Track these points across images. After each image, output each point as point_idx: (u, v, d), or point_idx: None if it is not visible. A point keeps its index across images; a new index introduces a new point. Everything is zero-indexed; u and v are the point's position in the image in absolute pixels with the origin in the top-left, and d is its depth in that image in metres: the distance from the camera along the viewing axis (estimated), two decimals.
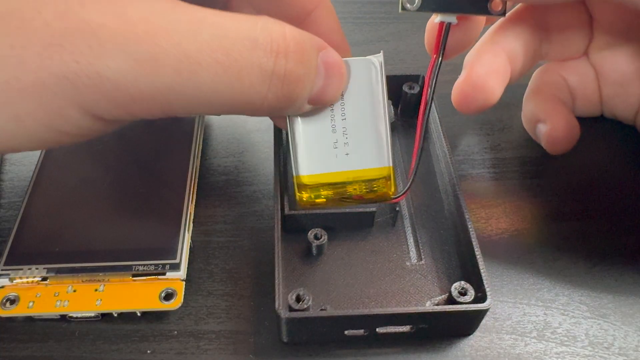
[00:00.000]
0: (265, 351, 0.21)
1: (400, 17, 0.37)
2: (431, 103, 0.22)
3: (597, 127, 0.29)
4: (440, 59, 0.21)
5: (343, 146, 0.21)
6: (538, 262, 0.24)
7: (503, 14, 0.20)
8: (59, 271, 0.21)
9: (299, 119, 0.22)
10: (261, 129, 0.29)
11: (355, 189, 0.22)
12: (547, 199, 0.26)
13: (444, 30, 0.21)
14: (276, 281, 0.20)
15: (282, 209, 0.23)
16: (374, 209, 0.23)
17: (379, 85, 0.21)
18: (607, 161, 0.28)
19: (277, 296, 0.19)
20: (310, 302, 0.20)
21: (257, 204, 0.26)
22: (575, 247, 0.24)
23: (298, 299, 0.20)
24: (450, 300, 0.20)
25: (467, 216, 0.22)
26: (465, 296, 0.20)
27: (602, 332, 0.22)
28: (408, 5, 0.20)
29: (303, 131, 0.21)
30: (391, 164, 0.22)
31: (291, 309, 0.19)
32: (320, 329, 0.20)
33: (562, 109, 0.26)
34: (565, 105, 0.27)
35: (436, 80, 0.21)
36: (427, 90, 0.21)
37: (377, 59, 0.21)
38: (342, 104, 0.21)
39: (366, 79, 0.21)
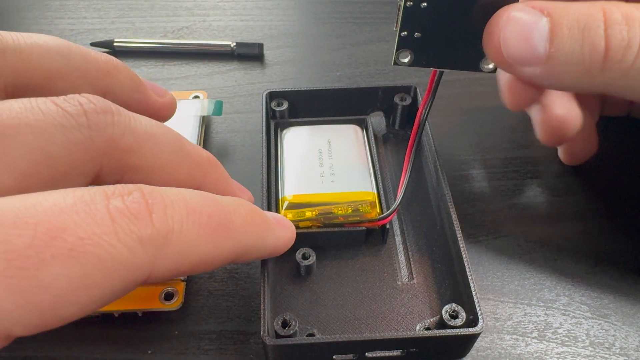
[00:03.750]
0: (266, 351, 0.21)
1: None
2: (419, 139, 0.23)
3: (598, 127, 0.29)
4: (431, 101, 0.22)
5: (329, 176, 0.24)
6: (539, 262, 0.24)
7: (494, 71, 0.20)
8: None
9: (288, 156, 0.25)
10: (261, 129, 0.29)
11: (340, 210, 0.22)
12: (547, 199, 0.26)
13: (437, 75, 0.22)
14: (262, 306, 0.19)
15: None
16: (363, 228, 0.23)
17: (361, 138, 0.26)
18: (608, 161, 0.28)
19: (262, 322, 0.19)
20: (297, 327, 0.19)
21: (257, 204, 0.26)
22: (576, 247, 0.24)
23: (284, 325, 0.19)
24: (441, 323, 0.20)
25: (459, 235, 0.22)
26: (456, 319, 0.20)
27: (603, 332, 0.22)
28: (400, 60, 0.20)
29: (292, 163, 0.24)
30: (375, 191, 0.23)
31: (277, 335, 0.19)
32: (308, 354, 0.20)
33: (585, 122, 0.25)
34: (591, 116, 0.26)
35: (427, 116, 0.22)
36: (417, 127, 0.22)
37: (362, 125, 0.26)
38: (330, 149, 0.25)
39: (351, 135, 0.26)
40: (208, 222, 0.16)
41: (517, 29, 0.18)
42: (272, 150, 0.25)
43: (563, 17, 0.18)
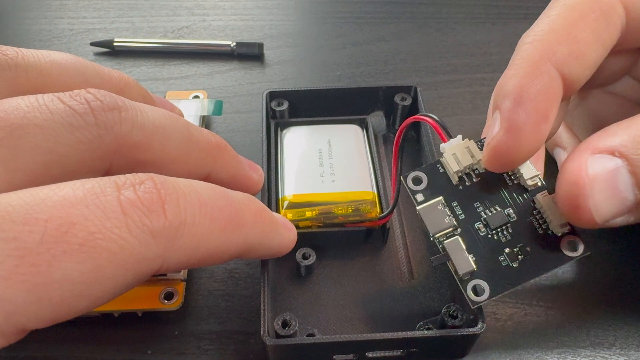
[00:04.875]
0: (265, 351, 0.21)
1: (401, 16, 0.37)
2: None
3: None
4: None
5: (329, 175, 0.24)
6: None
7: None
8: None
9: (288, 155, 0.25)
10: (262, 129, 0.29)
11: (340, 210, 0.22)
12: None
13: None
14: (262, 306, 0.19)
15: None
16: (363, 228, 0.23)
17: (361, 138, 0.26)
18: None
19: (262, 322, 0.19)
20: (296, 327, 0.19)
21: None
22: None
23: (284, 325, 0.19)
24: (441, 323, 0.20)
25: None
26: (456, 319, 0.20)
27: (603, 332, 0.22)
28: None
29: (292, 163, 0.24)
30: (375, 191, 0.23)
31: (277, 335, 0.19)
32: (308, 354, 0.20)
33: None
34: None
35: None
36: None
37: (362, 125, 0.26)
38: (330, 149, 0.25)
39: (351, 135, 0.26)
40: (219, 215, 0.16)
41: (605, 188, 0.16)
42: (272, 150, 0.25)
43: (638, 155, 0.16)
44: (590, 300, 0.23)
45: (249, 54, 0.34)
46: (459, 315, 0.20)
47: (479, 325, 0.19)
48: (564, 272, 0.23)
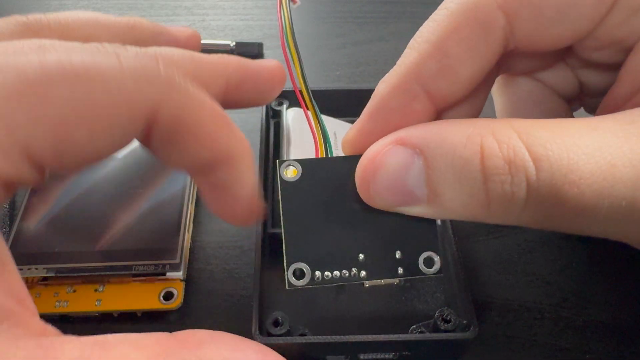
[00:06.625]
0: None
1: (401, 16, 0.37)
2: None
3: None
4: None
5: None
6: (538, 261, 0.24)
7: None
8: (58, 271, 0.21)
9: (294, 139, 0.25)
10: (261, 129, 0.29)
11: None
12: None
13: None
14: (254, 304, 0.19)
15: (265, 228, 0.22)
16: None
17: None
18: None
19: (254, 320, 0.19)
20: (288, 327, 0.19)
21: None
22: (576, 247, 0.24)
23: (276, 324, 0.19)
24: (435, 327, 0.20)
25: (453, 239, 0.22)
26: (449, 323, 0.19)
27: (602, 335, 0.22)
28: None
29: (296, 148, 0.24)
30: None
31: (269, 334, 0.19)
32: (300, 354, 0.19)
33: None
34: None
35: None
36: None
37: None
38: (335, 141, 0.24)
39: None
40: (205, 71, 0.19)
41: (389, 178, 0.16)
42: (272, 150, 0.25)
43: (438, 158, 0.15)
44: (591, 300, 0.23)
45: (248, 53, 0.34)
46: (452, 320, 0.19)
47: (472, 330, 0.19)
48: (563, 271, 0.23)
